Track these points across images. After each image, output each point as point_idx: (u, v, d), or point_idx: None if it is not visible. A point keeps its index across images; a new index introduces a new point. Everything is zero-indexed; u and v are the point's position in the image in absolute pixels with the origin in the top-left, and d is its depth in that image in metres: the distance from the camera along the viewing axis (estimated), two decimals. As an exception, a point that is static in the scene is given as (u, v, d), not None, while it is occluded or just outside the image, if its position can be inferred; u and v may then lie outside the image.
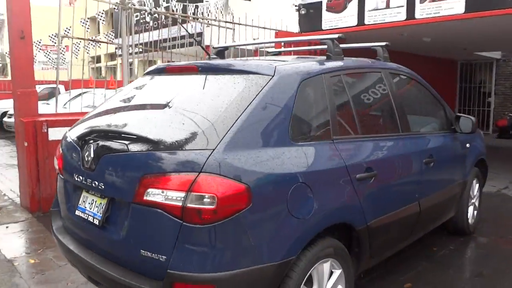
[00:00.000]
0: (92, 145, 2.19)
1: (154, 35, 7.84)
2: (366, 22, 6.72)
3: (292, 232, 2.01)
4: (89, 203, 2.27)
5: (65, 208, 2.48)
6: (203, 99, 2.23)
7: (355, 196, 2.37)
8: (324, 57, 2.70)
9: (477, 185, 4.25)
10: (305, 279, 2.13)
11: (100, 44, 6.07)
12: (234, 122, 1.97)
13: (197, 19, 7.31)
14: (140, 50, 7.18)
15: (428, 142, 3.24)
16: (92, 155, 2.16)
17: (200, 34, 9.76)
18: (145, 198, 1.90)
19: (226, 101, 2.12)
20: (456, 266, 3.46)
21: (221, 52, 3.29)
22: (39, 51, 6.28)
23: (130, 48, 5.94)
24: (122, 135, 2.13)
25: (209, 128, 1.97)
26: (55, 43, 5.52)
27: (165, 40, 8.07)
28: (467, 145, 3.86)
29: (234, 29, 6.92)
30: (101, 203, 2.18)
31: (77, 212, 2.34)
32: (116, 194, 2.08)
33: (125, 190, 2.00)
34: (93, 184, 2.17)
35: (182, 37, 8.78)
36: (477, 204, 4.31)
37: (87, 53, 6.15)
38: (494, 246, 3.96)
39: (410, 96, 3.43)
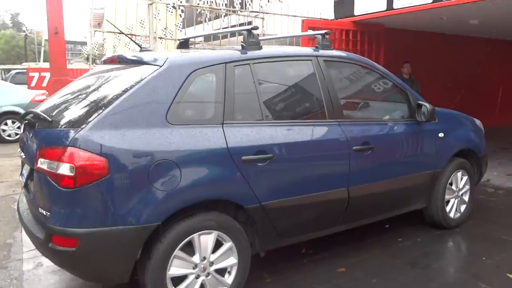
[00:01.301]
0: (24, 124, 2.72)
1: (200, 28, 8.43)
2: (394, 6, 6.48)
3: (153, 201, 2.31)
4: (24, 170, 2.82)
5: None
6: (106, 87, 2.61)
7: (241, 177, 2.57)
8: (239, 48, 2.90)
9: (465, 177, 4.04)
10: (179, 246, 2.42)
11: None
12: (108, 106, 2.33)
13: (219, 10, 7.64)
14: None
15: (366, 130, 3.23)
16: (22, 131, 2.69)
17: (250, 23, 10.12)
18: (38, 165, 2.37)
19: (117, 89, 2.48)
20: (406, 258, 3.40)
21: (184, 44, 3.62)
22: (130, 41, 7.31)
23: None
24: (37, 115, 2.61)
25: (88, 111, 2.36)
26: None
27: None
28: (440, 134, 3.72)
29: (263, 18, 7.14)
30: (27, 170, 2.71)
31: (20, 178, 2.91)
32: (29, 163, 2.58)
33: (32, 160, 2.48)
34: (23, 155, 2.72)
35: (232, 27, 9.22)
36: (466, 198, 4.11)
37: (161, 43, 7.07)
38: (462, 243, 3.80)
39: (356, 84, 3.43)
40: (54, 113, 2.51)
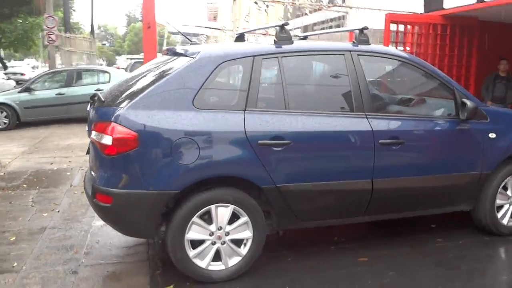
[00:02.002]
0: (90, 104, 3.32)
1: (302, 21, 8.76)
2: (486, -2, 6.04)
3: (173, 172, 2.71)
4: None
5: None
6: (152, 74, 3.07)
7: (256, 159, 2.85)
8: (272, 42, 3.16)
9: None
10: (197, 214, 2.80)
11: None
12: (145, 90, 2.78)
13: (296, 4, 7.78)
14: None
15: (396, 124, 3.24)
16: (89, 108, 3.30)
17: (343, 17, 10.11)
18: (91, 136, 2.93)
19: (157, 76, 2.93)
20: (436, 257, 3.35)
21: (240, 37, 3.97)
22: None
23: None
24: (97, 96, 3.16)
25: (131, 93, 2.85)
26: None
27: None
28: (491, 135, 3.54)
29: (347, 13, 7.17)
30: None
31: None
32: (89, 135, 3.16)
33: (90, 132, 3.06)
34: (87, 129, 3.33)
35: (325, 21, 9.38)
36: None
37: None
38: (506, 252, 3.57)
39: (393, 79, 3.44)
40: (110, 95, 3.04)
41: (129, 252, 3.42)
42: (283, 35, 3.13)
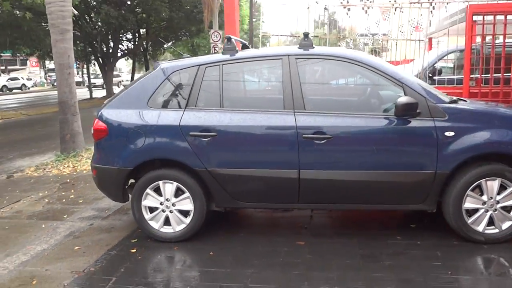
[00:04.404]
0: None
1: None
2: None
3: (128, 154, 3.69)
4: None
5: None
6: (133, 82, 4.12)
7: (188, 147, 3.59)
8: (219, 53, 3.83)
9: (510, 189, 3.42)
10: (150, 186, 3.71)
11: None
12: (119, 94, 3.86)
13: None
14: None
15: (323, 120, 3.45)
16: None
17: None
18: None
19: (133, 83, 3.99)
20: (370, 252, 3.43)
21: (244, 46, 4.66)
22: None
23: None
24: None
25: (114, 96, 3.96)
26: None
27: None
28: (448, 133, 3.39)
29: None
30: None
31: None
32: None
33: None
34: None
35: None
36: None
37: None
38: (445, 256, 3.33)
39: (332, 78, 3.62)
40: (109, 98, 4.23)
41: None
42: (228, 47, 3.78)
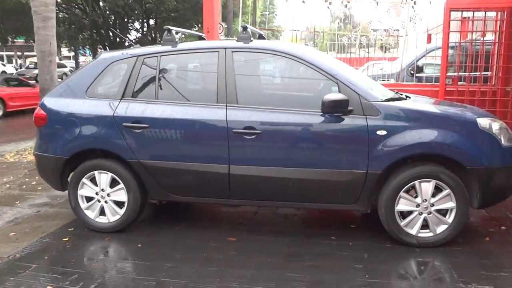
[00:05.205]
0: None
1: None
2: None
3: (64, 143, 3.68)
4: None
5: None
6: (76, 71, 4.11)
7: (121, 138, 3.56)
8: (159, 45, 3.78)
9: (445, 191, 3.30)
10: (85, 176, 3.71)
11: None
12: (62, 83, 3.86)
13: None
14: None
15: (253, 115, 3.39)
16: None
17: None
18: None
19: (75, 72, 3.98)
20: (296, 251, 3.38)
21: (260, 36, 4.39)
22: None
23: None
24: None
25: (57, 85, 3.96)
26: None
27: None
28: (380, 132, 3.29)
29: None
30: None
31: None
32: None
33: None
34: None
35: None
36: (449, 218, 3.36)
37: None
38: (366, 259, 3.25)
39: (268, 73, 3.55)
40: None
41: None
42: (167, 38, 3.72)
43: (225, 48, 3.58)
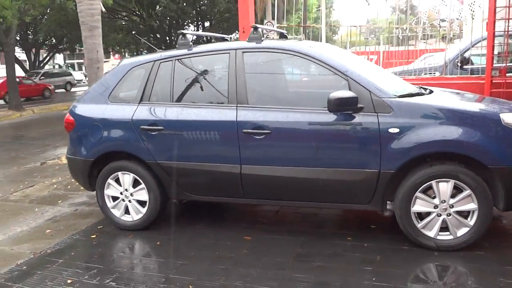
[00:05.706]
0: None
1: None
2: None
3: (90, 146, 3.92)
4: None
5: None
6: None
7: (139, 140, 3.73)
8: (173, 49, 3.90)
9: (466, 192, 3.11)
10: (111, 177, 3.92)
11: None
12: (89, 89, 4.11)
13: None
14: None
15: (263, 115, 3.39)
16: None
17: None
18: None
19: (101, 78, 4.22)
20: (307, 251, 3.35)
21: (282, 35, 4.46)
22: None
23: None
24: None
25: (86, 91, 4.22)
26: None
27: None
28: (392, 129, 3.16)
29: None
30: None
31: None
32: None
33: None
34: None
35: None
36: (471, 220, 3.16)
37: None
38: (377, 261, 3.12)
39: (278, 72, 3.52)
40: None
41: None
42: (182, 42, 3.84)
43: (235, 49, 3.62)
